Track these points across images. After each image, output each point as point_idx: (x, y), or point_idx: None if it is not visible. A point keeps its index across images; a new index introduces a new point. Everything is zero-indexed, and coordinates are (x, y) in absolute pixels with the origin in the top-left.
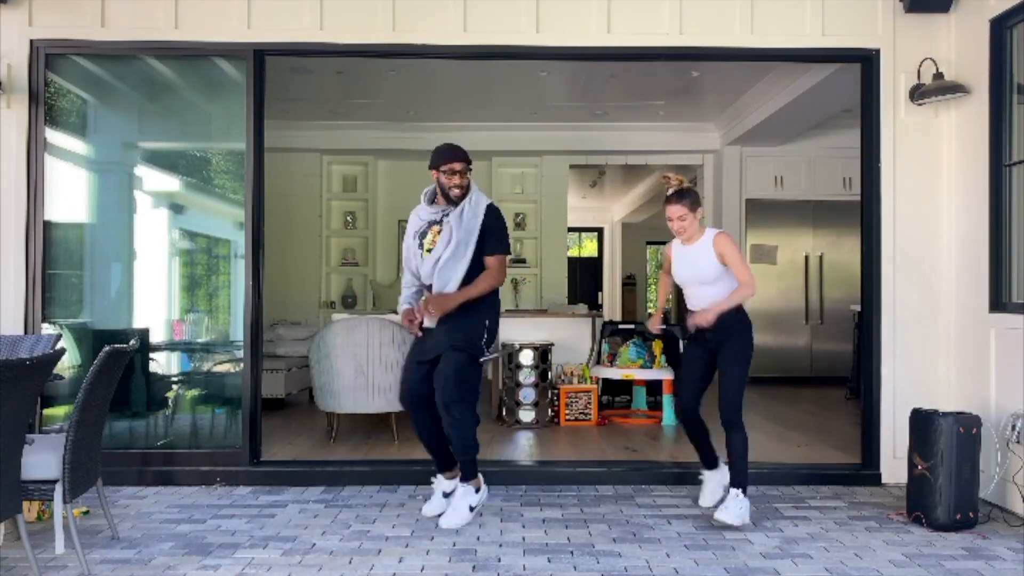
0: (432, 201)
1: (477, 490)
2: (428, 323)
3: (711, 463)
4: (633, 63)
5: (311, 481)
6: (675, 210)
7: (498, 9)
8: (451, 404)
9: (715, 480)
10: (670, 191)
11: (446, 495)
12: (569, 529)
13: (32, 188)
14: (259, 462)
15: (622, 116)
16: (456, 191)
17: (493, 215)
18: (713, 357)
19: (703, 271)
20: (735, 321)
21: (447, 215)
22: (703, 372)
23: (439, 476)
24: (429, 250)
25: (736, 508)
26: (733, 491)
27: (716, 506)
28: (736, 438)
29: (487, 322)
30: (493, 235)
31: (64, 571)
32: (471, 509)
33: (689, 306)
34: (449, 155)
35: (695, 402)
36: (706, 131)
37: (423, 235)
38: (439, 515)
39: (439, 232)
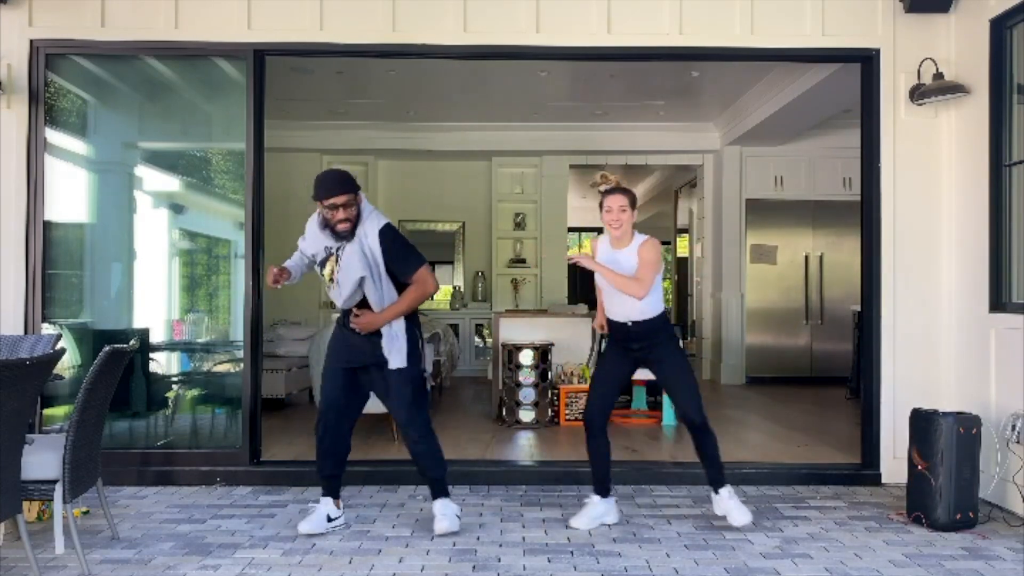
0: (325, 224)
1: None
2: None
3: (606, 490)
4: (633, 63)
5: (311, 481)
6: (616, 200)
7: (498, 9)
8: (415, 425)
9: (603, 507)
10: (606, 187)
11: (330, 519)
12: (569, 529)
13: (32, 188)
14: (259, 462)
15: (622, 116)
16: (343, 226)
17: (388, 238)
18: (634, 368)
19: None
20: (661, 327)
21: (341, 249)
22: (620, 382)
23: (328, 500)
24: (332, 279)
25: (741, 506)
26: (725, 491)
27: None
28: (711, 439)
29: (415, 330)
30: (398, 260)
31: (64, 571)
32: (457, 516)
33: (608, 315)
34: (329, 189)
35: (608, 413)
36: (706, 131)
37: (323, 264)
38: (318, 534)
39: (337, 262)
